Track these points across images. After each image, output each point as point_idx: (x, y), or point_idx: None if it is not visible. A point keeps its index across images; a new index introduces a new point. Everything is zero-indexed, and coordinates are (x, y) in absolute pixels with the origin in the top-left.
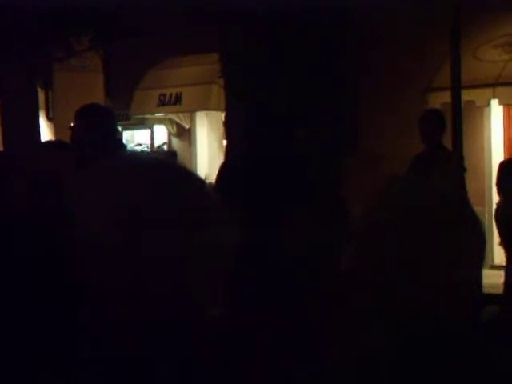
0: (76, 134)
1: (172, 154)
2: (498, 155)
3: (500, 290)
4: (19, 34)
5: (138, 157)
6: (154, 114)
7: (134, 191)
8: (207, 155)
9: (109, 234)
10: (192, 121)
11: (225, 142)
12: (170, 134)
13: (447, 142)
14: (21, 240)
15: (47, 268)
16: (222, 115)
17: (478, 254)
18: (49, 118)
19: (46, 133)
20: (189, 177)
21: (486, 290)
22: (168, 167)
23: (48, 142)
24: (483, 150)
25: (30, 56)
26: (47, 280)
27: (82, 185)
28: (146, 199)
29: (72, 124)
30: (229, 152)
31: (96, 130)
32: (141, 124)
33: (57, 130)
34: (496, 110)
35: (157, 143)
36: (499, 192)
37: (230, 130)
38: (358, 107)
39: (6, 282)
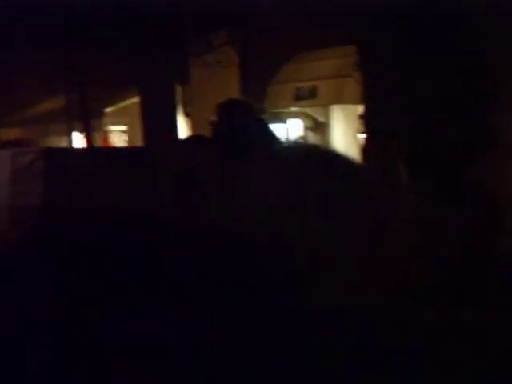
0: (217, 128)
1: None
2: None
3: None
4: (157, 29)
5: (297, 145)
6: (289, 108)
7: (302, 178)
8: (343, 150)
9: (280, 221)
10: (328, 115)
11: (360, 136)
12: (305, 129)
13: None
14: (167, 241)
15: (195, 266)
16: (357, 109)
17: None
18: (186, 114)
19: (183, 128)
20: (348, 161)
21: None
22: (328, 153)
23: (190, 138)
24: None
25: (168, 52)
26: (198, 278)
27: (246, 175)
28: (314, 184)
29: (213, 119)
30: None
31: (237, 124)
32: (276, 118)
33: (194, 126)
34: None
35: (292, 138)
36: None
37: (370, 124)
38: (497, 103)
39: (156, 282)
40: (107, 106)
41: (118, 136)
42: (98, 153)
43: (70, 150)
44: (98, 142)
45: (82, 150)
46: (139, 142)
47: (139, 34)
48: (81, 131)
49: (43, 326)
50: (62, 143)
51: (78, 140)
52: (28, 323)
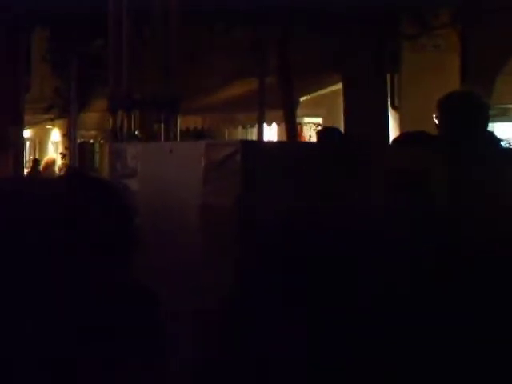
0: (439, 127)
1: None
2: None
3: None
4: (365, 8)
5: None
6: None
7: None
8: None
9: None
10: None
11: None
12: None
13: None
14: (373, 245)
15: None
16: None
17: None
18: (394, 107)
19: (390, 123)
20: None
21: None
22: None
23: (410, 135)
24: None
25: (378, 33)
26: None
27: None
28: None
29: (435, 116)
30: None
31: (468, 122)
32: (504, 115)
33: (402, 120)
34: None
35: None
36: None
37: None
38: None
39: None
40: (303, 95)
41: (310, 129)
42: (306, 148)
43: (275, 144)
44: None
45: (289, 144)
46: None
47: (344, 13)
48: (273, 122)
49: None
50: (249, 135)
51: (269, 132)
52: None
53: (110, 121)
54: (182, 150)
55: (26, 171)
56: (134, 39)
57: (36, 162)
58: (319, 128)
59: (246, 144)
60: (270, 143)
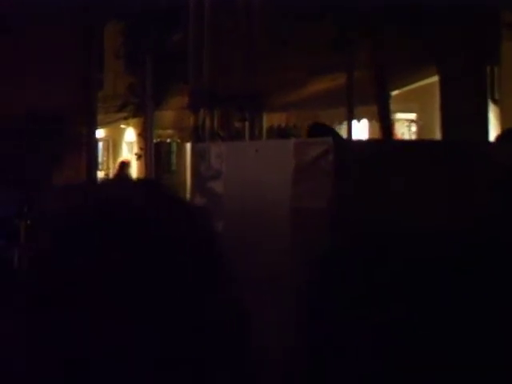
0: None
1: None
2: None
3: None
4: None
5: None
6: None
7: None
8: None
9: None
10: None
11: None
12: None
13: None
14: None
15: None
16: None
17: None
18: (494, 100)
19: (490, 118)
20: None
21: None
22: None
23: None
24: None
25: (474, 22)
26: None
27: None
28: None
29: None
30: None
31: None
32: None
33: (503, 115)
34: None
35: None
36: None
37: None
38: None
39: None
40: (394, 89)
41: (402, 126)
42: (403, 147)
43: (369, 143)
44: (378, 133)
45: (384, 142)
46: (433, 135)
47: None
48: (362, 118)
49: None
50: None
51: (358, 129)
52: None
53: (191, 119)
54: (269, 149)
55: (99, 174)
56: (215, 33)
57: (123, 164)
58: (411, 124)
59: (339, 142)
60: (364, 141)
